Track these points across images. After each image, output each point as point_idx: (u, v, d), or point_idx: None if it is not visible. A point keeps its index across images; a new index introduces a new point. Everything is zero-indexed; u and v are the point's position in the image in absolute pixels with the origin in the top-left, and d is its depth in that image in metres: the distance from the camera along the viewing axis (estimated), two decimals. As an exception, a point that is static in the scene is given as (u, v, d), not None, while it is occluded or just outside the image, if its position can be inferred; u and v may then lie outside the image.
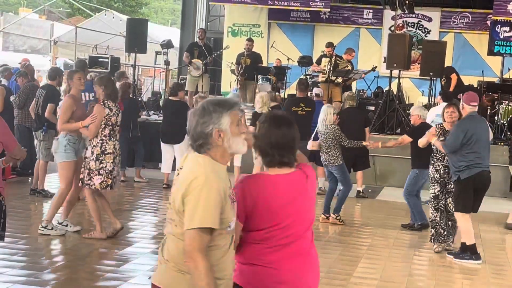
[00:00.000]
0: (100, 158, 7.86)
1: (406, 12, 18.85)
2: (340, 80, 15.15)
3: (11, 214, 9.00)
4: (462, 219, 8.15)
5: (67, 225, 8.23)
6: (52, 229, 8.08)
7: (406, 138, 9.54)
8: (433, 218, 8.52)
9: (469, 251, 8.18)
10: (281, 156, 3.40)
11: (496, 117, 14.61)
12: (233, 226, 3.20)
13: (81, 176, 7.95)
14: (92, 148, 7.88)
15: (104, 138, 7.88)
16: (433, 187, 8.52)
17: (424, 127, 9.34)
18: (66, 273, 6.71)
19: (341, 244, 8.69)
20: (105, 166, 7.87)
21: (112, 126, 7.95)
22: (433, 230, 8.58)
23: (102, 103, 7.95)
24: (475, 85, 16.22)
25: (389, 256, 8.24)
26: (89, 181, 7.87)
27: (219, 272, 3.14)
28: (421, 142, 8.72)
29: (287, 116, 3.55)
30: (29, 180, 11.56)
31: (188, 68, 15.89)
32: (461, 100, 8.41)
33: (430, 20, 20.06)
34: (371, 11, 20.39)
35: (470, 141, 7.95)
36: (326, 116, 9.78)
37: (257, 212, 3.36)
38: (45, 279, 6.50)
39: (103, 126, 7.86)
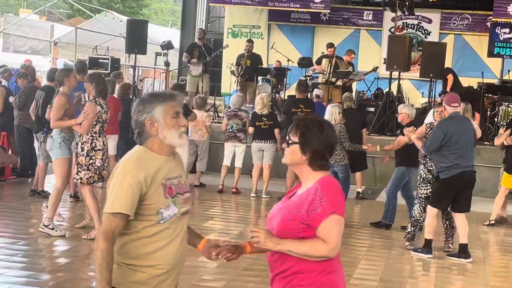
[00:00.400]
0: (90, 154, 7.98)
1: (406, 13, 18.86)
2: (340, 83, 15.16)
3: (11, 215, 9.03)
4: (429, 214, 8.26)
5: (53, 229, 8.14)
6: (53, 229, 8.09)
7: (402, 139, 9.54)
8: (418, 218, 8.54)
9: (424, 245, 8.32)
10: (330, 157, 3.41)
11: (496, 119, 14.61)
12: (168, 215, 3.24)
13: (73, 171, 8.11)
14: (83, 144, 8.00)
15: (94, 135, 8.00)
16: (425, 187, 8.53)
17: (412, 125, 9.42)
18: (66, 274, 6.71)
19: (341, 245, 8.67)
20: (94, 162, 7.98)
21: (102, 123, 8.09)
22: (413, 229, 8.63)
23: (93, 100, 8.06)
24: (475, 87, 16.24)
25: (388, 257, 8.24)
26: (76, 175, 7.99)
27: (151, 261, 3.20)
28: (403, 139, 8.88)
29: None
30: (29, 181, 11.57)
31: (188, 68, 15.91)
32: (443, 102, 8.50)
33: (430, 21, 20.06)
34: (371, 12, 20.39)
35: (450, 142, 7.99)
36: (331, 116, 9.80)
37: None
38: (45, 280, 6.50)
39: (94, 122, 7.98)
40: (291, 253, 3.26)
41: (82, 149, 7.98)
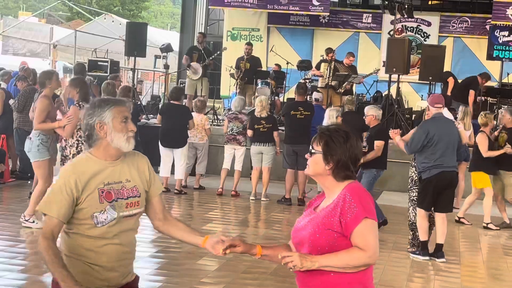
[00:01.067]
0: None
1: (405, 16, 18.87)
2: (342, 90, 15.14)
3: (10, 217, 9.03)
4: (418, 215, 8.35)
5: (33, 222, 8.40)
6: (33, 222, 8.36)
7: (380, 144, 9.50)
8: (414, 221, 8.55)
9: (420, 247, 8.38)
10: (355, 168, 3.30)
11: (495, 121, 14.61)
12: (104, 219, 3.34)
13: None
14: (70, 147, 8.10)
15: (79, 139, 8.06)
16: (416, 189, 8.51)
17: (383, 127, 9.50)
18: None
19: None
20: None
21: None
22: (412, 233, 8.65)
23: (77, 105, 8.11)
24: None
25: (388, 260, 8.24)
26: None
27: (95, 259, 3.35)
28: (381, 143, 9.18)
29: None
30: (28, 183, 11.56)
31: (187, 71, 15.92)
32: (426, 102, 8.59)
33: (429, 24, 20.09)
34: (370, 15, 20.41)
35: (431, 143, 8.08)
36: (329, 120, 9.81)
37: None
38: (45, 282, 6.49)
39: (78, 127, 8.01)
40: (329, 268, 3.12)
41: (69, 152, 8.07)
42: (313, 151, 3.26)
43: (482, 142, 10.27)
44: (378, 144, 9.52)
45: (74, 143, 8.08)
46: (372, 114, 9.68)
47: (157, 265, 7.36)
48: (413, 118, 15.59)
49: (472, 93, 15.23)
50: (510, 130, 10.56)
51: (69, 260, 3.33)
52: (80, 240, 3.34)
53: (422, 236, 8.33)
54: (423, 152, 8.15)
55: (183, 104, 12.76)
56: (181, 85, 17.05)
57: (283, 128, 12.33)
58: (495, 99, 15.32)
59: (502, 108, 14.56)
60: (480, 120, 10.51)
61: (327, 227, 3.14)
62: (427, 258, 8.31)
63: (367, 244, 3.10)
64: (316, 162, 3.25)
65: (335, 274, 3.14)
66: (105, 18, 25.37)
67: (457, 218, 10.69)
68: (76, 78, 8.98)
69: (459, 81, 16.11)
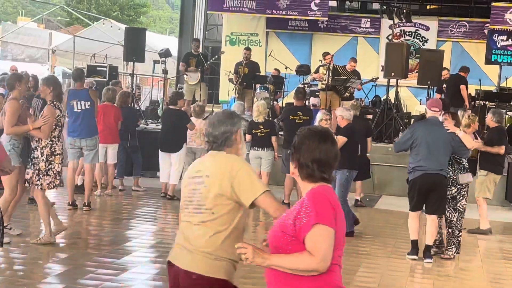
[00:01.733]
0: (50, 159, 7.98)
1: (404, 21, 18.91)
2: (348, 94, 15.05)
3: (8, 223, 9.00)
4: (409, 216, 8.45)
5: (10, 229, 8.21)
6: (10, 228, 8.17)
7: (341, 139, 9.31)
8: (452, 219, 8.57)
9: (411, 246, 8.48)
10: (322, 172, 3.27)
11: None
12: None
13: (27, 176, 8.00)
14: (42, 149, 7.96)
15: (53, 139, 8.03)
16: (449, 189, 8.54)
17: (350, 125, 9.55)
18: (64, 283, 6.70)
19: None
20: (54, 167, 8.00)
21: (60, 127, 8.13)
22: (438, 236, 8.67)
23: (52, 104, 8.04)
24: (473, 94, 16.28)
25: (387, 264, 8.24)
26: (38, 182, 7.96)
27: (235, 254, 3.57)
28: (342, 139, 9.22)
29: (331, 132, 3.47)
30: (27, 188, 11.54)
31: (185, 77, 15.92)
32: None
33: (427, 29, 20.12)
34: (369, 20, 20.44)
35: (415, 144, 8.21)
36: (317, 122, 9.79)
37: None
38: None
39: (53, 127, 7.97)
40: (279, 268, 3.15)
41: (42, 154, 7.94)
42: (290, 150, 3.41)
43: (465, 137, 9.90)
44: (339, 139, 9.29)
45: (48, 143, 7.92)
46: (339, 114, 9.77)
47: (156, 270, 7.35)
48: (411, 123, 15.58)
49: (463, 87, 15.21)
50: (492, 130, 10.73)
51: (228, 264, 3.74)
52: (232, 235, 3.75)
53: (411, 235, 8.45)
54: (411, 153, 8.32)
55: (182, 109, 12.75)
56: (180, 90, 17.07)
57: (282, 133, 12.33)
58: (493, 104, 15.32)
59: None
60: (463, 121, 10.39)
61: (281, 229, 3.21)
62: (415, 257, 8.37)
63: (317, 250, 3.08)
64: (291, 162, 3.37)
65: (293, 279, 3.15)
66: (103, 24, 25.41)
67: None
68: (50, 77, 8.75)
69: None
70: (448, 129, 8.39)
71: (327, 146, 3.27)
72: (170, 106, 12.02)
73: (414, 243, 8.43)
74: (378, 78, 16.62)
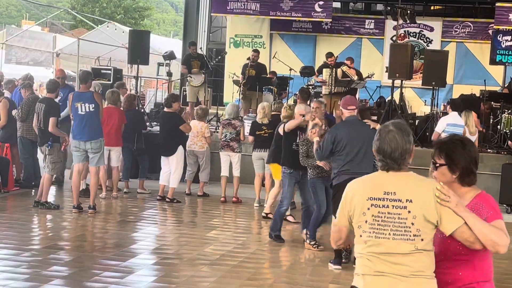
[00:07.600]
0: None
1: (408, 22, 18.88)
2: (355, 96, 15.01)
3: (14, 226, 9.03)
4: (332, 223, 8.02)
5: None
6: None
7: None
8: None
9: (334, 256, 7.91)
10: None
11: (498, 126, 14.60)
12: None
13: None
14: None
15: None
16: None
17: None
18: (69, 285, 6.70)
19: (343, 252, 8.66)
20: None
21: None
22: None
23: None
24: (478, 95, 16.25)
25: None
26: None
27: None
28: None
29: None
30: (33, 192, 11.58)
31: (188, 79, 15.91)
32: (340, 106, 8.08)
33: (432, 29, 20.10)
34: (373, 21, 20.44)
35: (339, 147, 7.61)
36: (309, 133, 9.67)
37: None
38: (49, 291, 6.49)
39: None
40: (471, 224, 3.34)
41: None
42: (437, 164, 3.55)
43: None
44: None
45: None
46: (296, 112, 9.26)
47: (161, 273, 7.34)
48: (416, 124, 15.57)
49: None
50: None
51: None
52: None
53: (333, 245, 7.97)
54: (334, 157, 7.71)
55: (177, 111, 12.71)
56: (184, 93, 17.06)
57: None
58: (498, 104, 15.29)
59: (506, 112, 14.57)
60: (284, 112, 10.16)
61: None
62: (339, 267, 7.79)
63: (506, 234, 3.43)
64: (442, 174, 3.55)
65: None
66: (108, 26, 25.42)
67: (264, 214, 10.61)
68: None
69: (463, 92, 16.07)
70: (371, 126, 7.71)
71: (473, 146, 3.64)
72: (164, 109, 12.02)
73: (338, 253, 7.81)
74: (374, 74, 16.59)
